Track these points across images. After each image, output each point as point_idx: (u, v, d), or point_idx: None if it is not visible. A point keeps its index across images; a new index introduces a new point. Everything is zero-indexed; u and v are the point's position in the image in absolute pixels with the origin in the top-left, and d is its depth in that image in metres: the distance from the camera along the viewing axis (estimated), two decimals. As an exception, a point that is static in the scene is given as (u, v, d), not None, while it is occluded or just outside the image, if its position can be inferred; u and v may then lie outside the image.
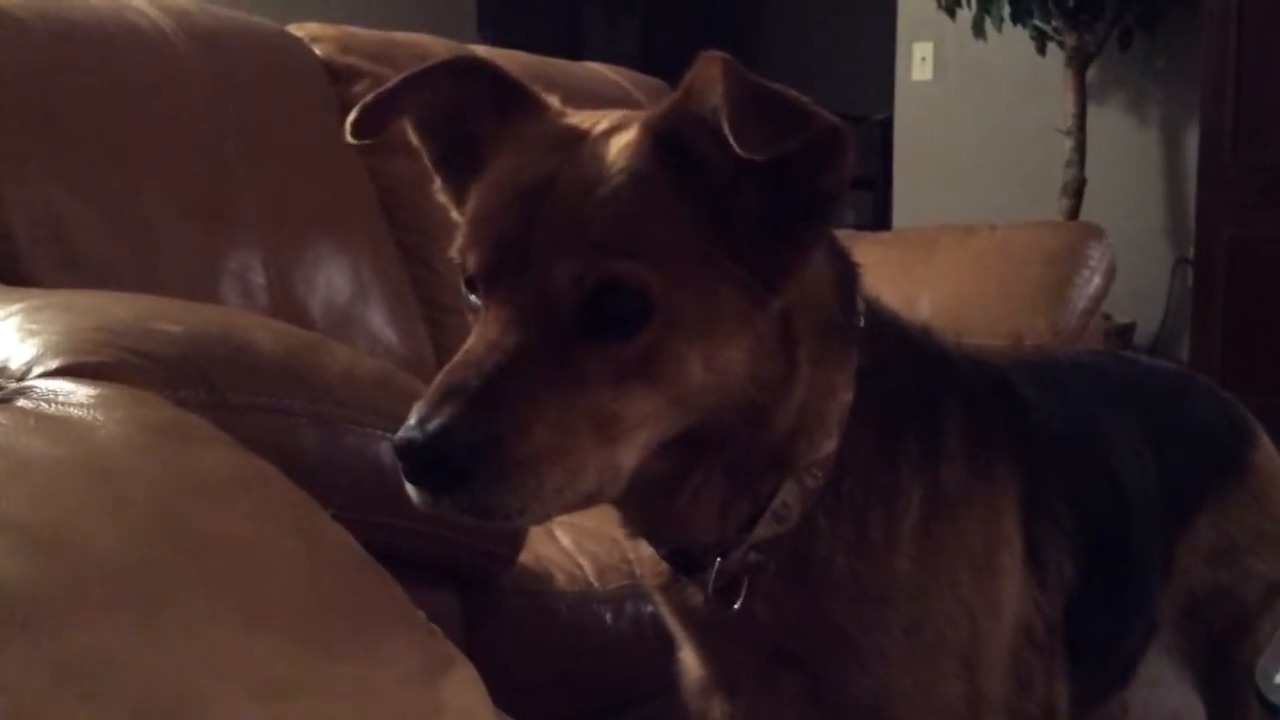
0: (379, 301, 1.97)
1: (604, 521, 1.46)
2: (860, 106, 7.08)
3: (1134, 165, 4.39)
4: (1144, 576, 1.14)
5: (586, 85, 2.58)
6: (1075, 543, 1.02)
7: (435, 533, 1.07)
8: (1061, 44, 4.23)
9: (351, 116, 0.87)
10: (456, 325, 2.10)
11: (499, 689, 1.18)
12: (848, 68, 7.46)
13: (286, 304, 1.79)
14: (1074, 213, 4.12)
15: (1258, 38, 3.57)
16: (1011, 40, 4.36)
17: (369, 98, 0.87)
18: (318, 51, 2.10)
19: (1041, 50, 4.35)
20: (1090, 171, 4.17)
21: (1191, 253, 3.82)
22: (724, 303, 0.80)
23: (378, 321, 1.95)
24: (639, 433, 0.78)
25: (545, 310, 0.77)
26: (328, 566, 0.65)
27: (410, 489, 0.77)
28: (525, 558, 1.29)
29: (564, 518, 1.47)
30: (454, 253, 0.85)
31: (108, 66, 1.66)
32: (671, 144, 0.80)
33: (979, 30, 4.36)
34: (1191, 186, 3.79)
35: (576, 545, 1.37)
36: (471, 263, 0.82)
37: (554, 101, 0.91)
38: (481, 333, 0.78)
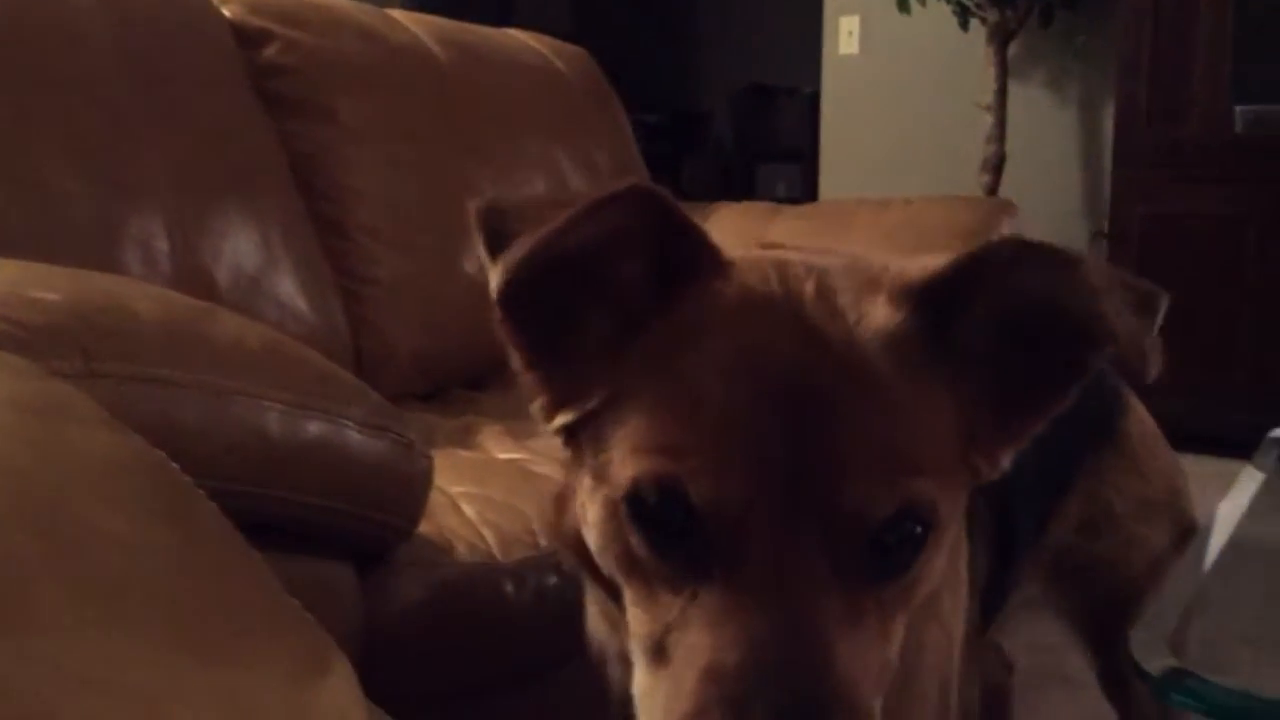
0: (289, 270, 1.94)
1: (510, 493, 1.46)
2: (789, 79, 7.11)
3: (1053, 141, 4.44)
4: (1023, 557, 1.16)
5: (504, 53, 2.56)
6: (989, 539, 1.01)
7: (327, 505, 1.06)
8: (984, 20, 4.27)
9: (504, 278, 0.62)
10: (372, 296, 2.08)
11: (396, 660, 1.18)
12: (777, 41, 7.48)
13: (191, 271, 1.76)
14: (994, 188, 4.17)
15: (1174, 16, 3.63)
16: (935, 15, 4.39)
17: (523, 250, 0.61)
18: (226, 13, 2.06)
19: (964, 25, 4.38)
20: (1011, 147, 4.22)
21: (1107, 227, 3.89)
22: (960, 498, 0.69)
23: (288, 290, 1.92)
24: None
25: (836, 551, 0.60)
26: (204, 562, 0.63)
27: None
28: (427, 529, 1.28)
29: (470, 488, 1.46)
30: (625, 476, 0.62)
31: (4, 24, 1.61)
32: (938, 318, 0.66)
33: (903, 5, 4.38)
34: (1108, 163, 3.84)
35: (480, 516, 1.36)
36: (702, 487, 0.59)
37: (718, 245, 0.69)
38: (758, 586, 0.58)
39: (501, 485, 1.48)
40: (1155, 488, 1.25)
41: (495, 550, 1.30)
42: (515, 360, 0.70)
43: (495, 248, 0.63)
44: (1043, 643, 1.64)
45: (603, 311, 0.67)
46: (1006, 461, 0.70)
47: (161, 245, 1.74)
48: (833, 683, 0.56)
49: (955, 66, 4.54)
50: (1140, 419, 1.29)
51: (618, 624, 0.86)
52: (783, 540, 0.59)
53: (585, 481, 0.68)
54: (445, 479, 1.46)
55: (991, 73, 4.23)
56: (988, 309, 0.66)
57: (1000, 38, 4.22)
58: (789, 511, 0.59)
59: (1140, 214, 3.62)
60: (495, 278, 0.63)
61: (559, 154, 2.51)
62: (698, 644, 0.59)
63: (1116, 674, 1.27)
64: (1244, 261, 3.55)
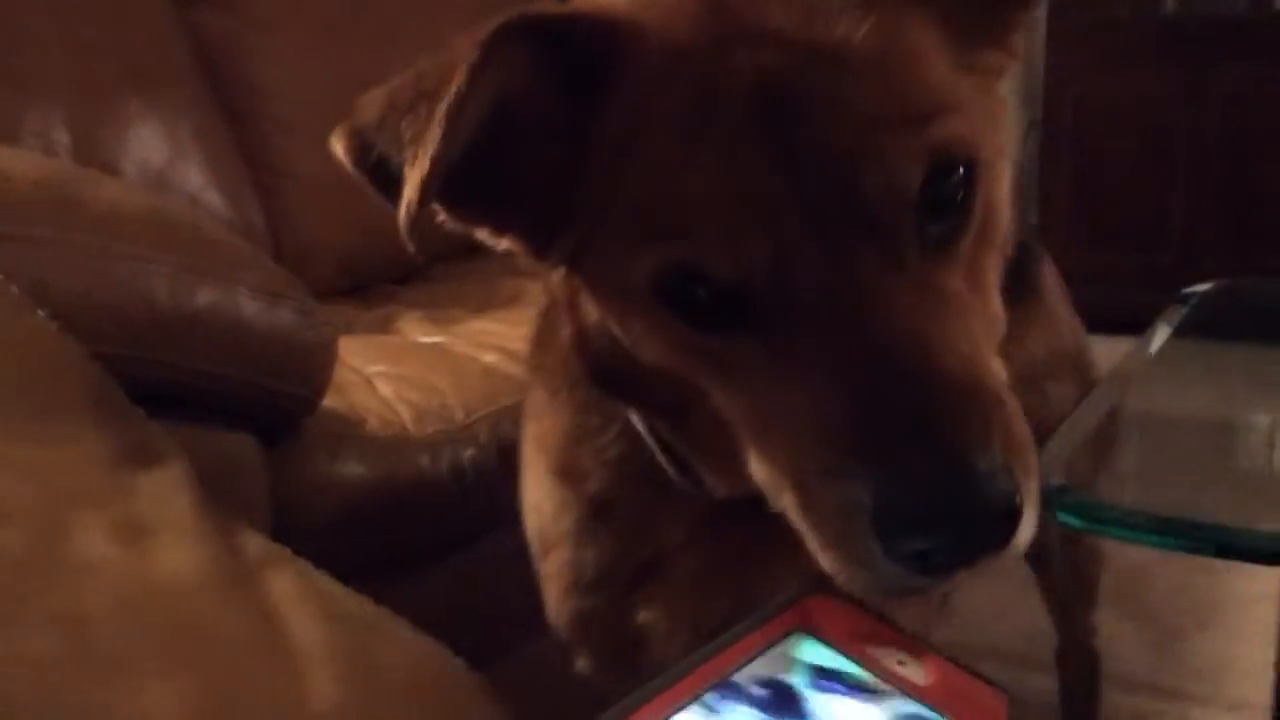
0: (199, 164, 1.89)
1: (428, 371, 1.45)
2: None
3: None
4: None
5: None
6: None
7: (222, 373, 1.04)
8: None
9: (407, 218, 0.54)
10: (288, 191, 2.04)
11: (306, 531, 1.17)
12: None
13: (94, 165, 1.70)
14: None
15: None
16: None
17: (415, 186, 0.53)
18: (122, -103, 1.97)
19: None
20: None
21: (1041, 113, 3.88)
22: (992, 101, 0.62)
23: (198, 184, 1.88)
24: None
25: (888, 241, 0.53)
26: (18, 355, 0.62)
27: (919, 578, 0.50)
28: (339, 404, 1.26)
29: (386, 368, 1.45)
30: (642, 275, 0.56)
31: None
32: None
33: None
34: (1042, 48, 3.83)
35: (396, 394, 1.35)
36: (719, 264, 0.54)
37: (613, 13, 0.59)
38: (825, 321, 0.52)
39: (419, 365, 1.46)
40: (1066, 342, 1.25)
41: (409, 424, 1.29)
42: (481, 235, 0.64)
43: (384, 187, 0.56)
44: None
45: (541, 144, 0.60)
46: (1019, 42, 0.63)
47: (61, 138, 1.69)
48: (947, 377, 0.51)
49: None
50: (1052, 271, 1.29)
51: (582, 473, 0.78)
52: (828, 264, 0.52)
53: (607, 301, 0.63)
54: (361, 360, 1.44)
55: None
56: None
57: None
58: (819, 234, 0.52)
59: (1073, 97, 3.62)
60: (401, 218, 0.54)
61: (479, 44, 2.45)
62: (792, 405, 0.53)
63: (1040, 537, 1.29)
64: (1175, 143, 3.56)
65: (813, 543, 0.52)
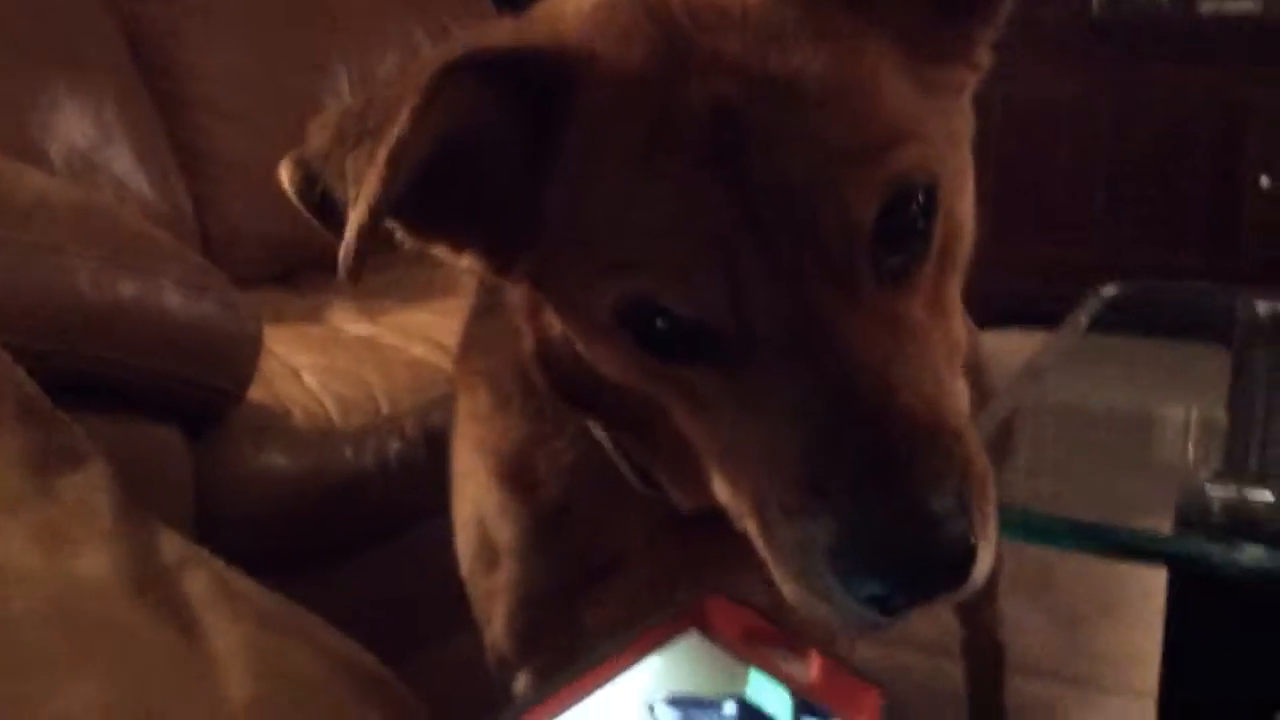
0: (127, 146, 1.87)
1: (355, 363, 1.45)
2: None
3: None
4: None
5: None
6: None
7: (146, 366, 1.05)
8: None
9: (349, 258, 0.52)
10: (216, 175, 2.03)
11: (230, 523, 1.18)
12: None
13: (20, 148, 1.68)
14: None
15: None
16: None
17: (356, 230, 0.51)
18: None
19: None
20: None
21: (969, 110, 3.95)
22: (955, 120, 0.60)
23: (125, 167, 1.86)
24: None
25: (845, 274, 0.52)
26: None
27: (876, 617, 0.51)
28: (264, 396, 1.27)
29: (314, 359, 1.45)
30: (604, 305, 0.55)
31: None
32: None
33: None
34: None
35: (321, 385, 1.36)
36: (674, 297, 0.53)
37: (560, 40, 0.57)
38: (784, 352, 0.52)
39: (346, 356, 1.47)
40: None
41: (334, 416, 1.30)
42: (439, 252, 0.62)
43: (327, 221, 0.55)
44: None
45: (497, 169, 0.58)
46: (984, 53, 0.63)
47: (-14, 120, 1.67)
48: (905, 415, 0.50)
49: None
50: None
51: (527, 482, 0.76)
52: (785, 300, 0.51)
53: (570, 321, 0.62)
54: (288, 350, 1.45)
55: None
56: None
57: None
58: (775, 269, 0.51)
59: (1000, 95, 3.69)
60: (340, 260, 0.53)
61: (414, 27, 2.44)
62: (752, 438, 0.53)
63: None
64: (1099, 141, 3.65)
65: (774, 572, 0.53)
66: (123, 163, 1.85)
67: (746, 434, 0.53)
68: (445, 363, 1.47)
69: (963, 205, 0.59)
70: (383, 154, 0.51)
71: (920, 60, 0.56)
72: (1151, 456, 1.25)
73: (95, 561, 0.52)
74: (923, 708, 1.67)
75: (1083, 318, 1.48)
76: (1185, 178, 3.57)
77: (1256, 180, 3.46)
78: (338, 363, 1.44)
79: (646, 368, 0.57)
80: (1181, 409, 1.37)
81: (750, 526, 0.55)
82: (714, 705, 0.44)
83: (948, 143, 0.57)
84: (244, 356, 1.15)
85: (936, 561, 0.49)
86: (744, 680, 0.46)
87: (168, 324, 1.06)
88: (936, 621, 1.78)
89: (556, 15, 0.59)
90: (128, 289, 1.01)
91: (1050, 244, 3.70)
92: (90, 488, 0.58)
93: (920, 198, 0.54)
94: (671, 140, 0.52)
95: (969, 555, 0.50)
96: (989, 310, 4.32)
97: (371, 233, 0.52)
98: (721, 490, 0.57)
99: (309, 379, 1.38)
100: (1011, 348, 1.69)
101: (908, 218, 0.54)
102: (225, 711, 0.47)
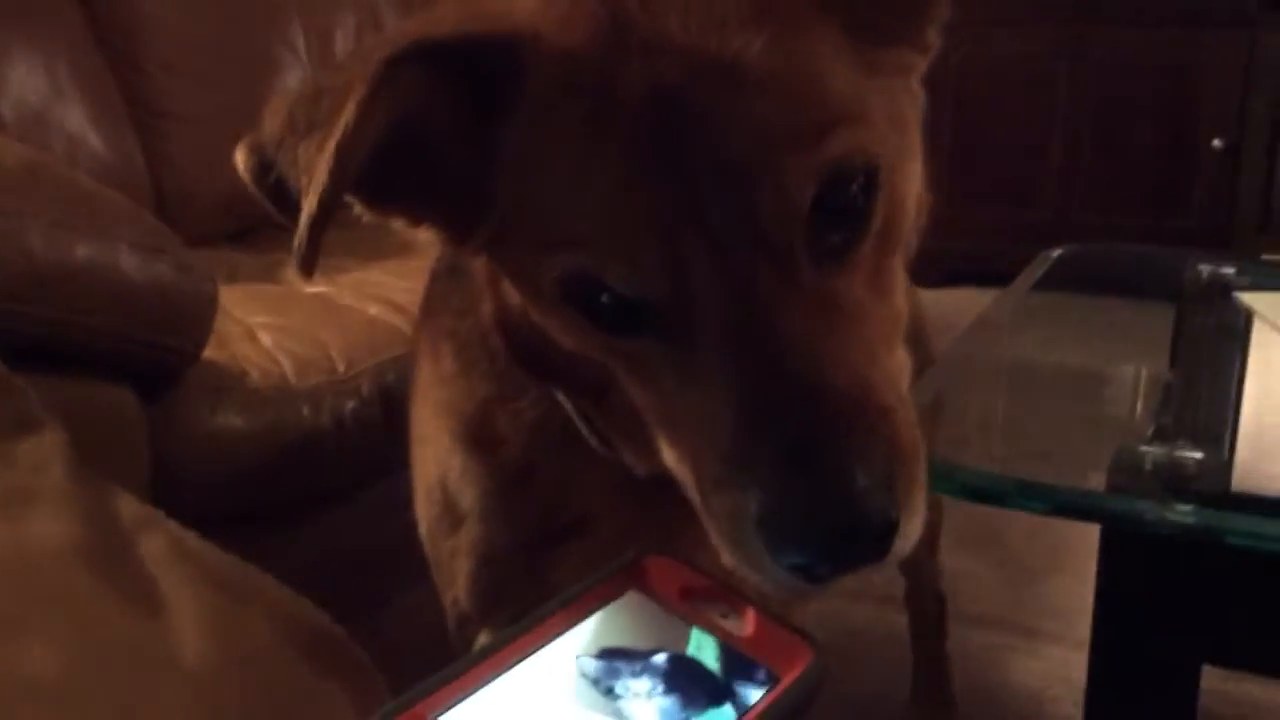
0: (78, 103, 1.87)
1: (311, 322, 1.46)
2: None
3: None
4: None
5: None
6: None
7: (100, 326, 1.05)
8: None
9: (302, 248, 0.53)
10: (170, 132, 2.01)
11: (186, 483, 1.19)
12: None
13: (-32, 104, 1.68)
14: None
15: None
16: None
17: (309, 216, 0.52)
18: None
19: None
20: None
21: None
22: (900, 100, 0.60)
23: (77, 124, 1.85)
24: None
25: (784, 253, 0.54)
26: None
27: (803, 584, 0.53)
28: (220, 356, 1.28)
29: (269, 318, 1.46)
30: (550, 278, 0.57)
31: None
32: None
33: None
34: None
35: (276, 344, 1.37)
36: (616, 274, 0.55)
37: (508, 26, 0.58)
38: (721, 329, 0.53)
39: (302, 316, 1.48)
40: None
41: (290, 376, 1.31)
42: (397, 226, 0.63)
43: (283, 207, 0.56)
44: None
45: (450, 147, 0.59)
46: (934, 34, 0.63)
47: (-68, 75, 1.65)
48: (833, 392, 0.52)
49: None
50: None
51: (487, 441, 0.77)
52: (723, 279, 0.53)
53: (523, 292, 0.64)
54: (244, 310, 1.45)
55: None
56: None
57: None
58: (714, 249, 0.53)
59: (960, 55, 3.70)
60: (293, 250, 0.54)
61: (370, -15, 2.43)
62: (692, 410, 0.55)
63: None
64: (1055, 103, 3.68)
65: (712, 537, 0.55)
66: (75, 119, 1.84)
67: (686, 405, 0.55)
68: (401, 322, 1.48)
69: (905, 185, 0.59)
70: (331, 145, 0.51)
71: (866, 42, 0.57)
72: (1099, 412, 1.28)
73: (54, 527, 0.53)
74: (871, 655, 1.72)
75: (1029, 279, 1.51)
76: (1138, 139, 3.62)
77: (1209, 142, 3.51)
78: (294, 322, 1.45)
79: (593, 339, 0.59)
80: (1129, 366, 1.40)
81: (690, 493, 0.57)
82: (644, 657, 0.46)
83: (891, 125, 0.58)
84: (199, 318, 1.16)
85: (857, 534, 0.51)
86: (684, 637, 0.48)
87: (123, 286, 1.06)
88: (891, 575, 1.82)
89: None
90: (82, 251, 1.01)
91: (1004, 204, 3.74)
92: (45, 453, 0.59)
93: (860, 179, 0.55)
94: (612, 121, 0.53)
95: (890, 528, 0.52)
96: (942, 269, 4.38)
97: (323, 223, 0.53)
98: (668, 456, 0.59)
99: (265, 338, 1.39)
100: (964, 306, 1.71)
101: (847, 198, 0.55)
102: (179, 671, 0.48)
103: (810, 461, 0.51)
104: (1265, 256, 2.67)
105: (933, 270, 3.91)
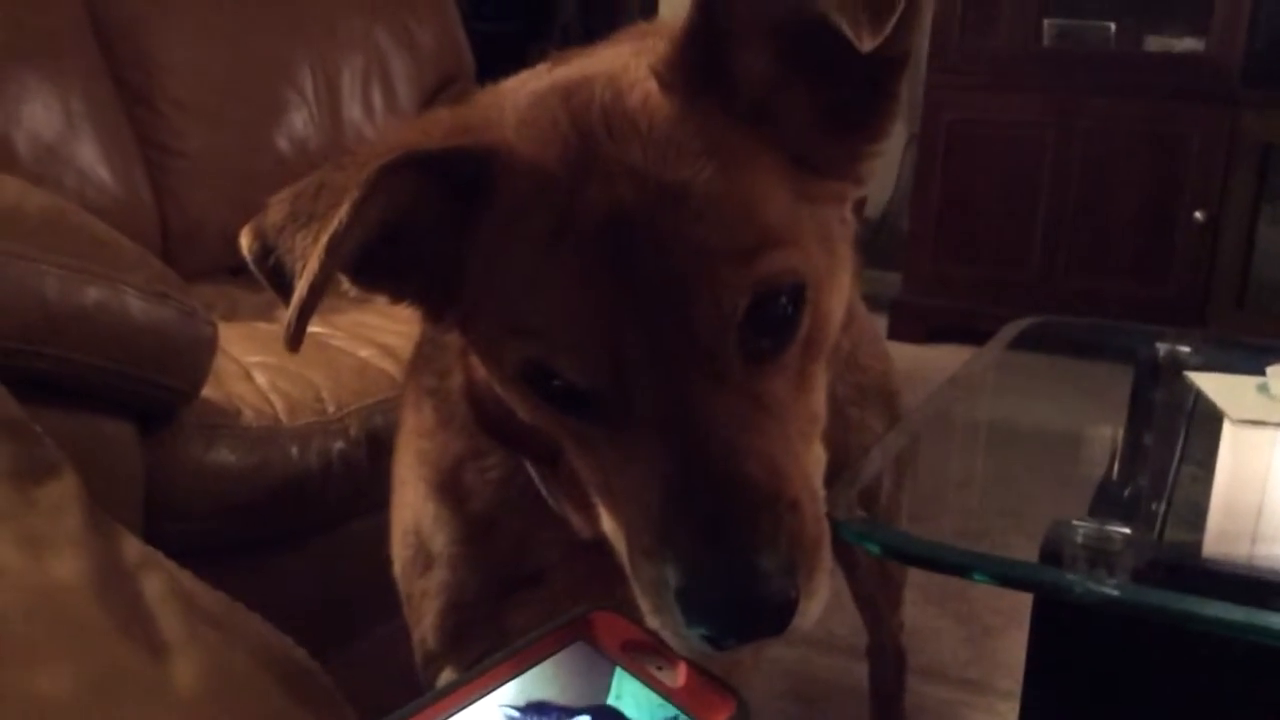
0: (92, 139, 1.93)
1: (304, 364, 1.52)
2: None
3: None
4: None
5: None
6: None
7: (106, 366, 1.11)
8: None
9: (292, 324, 0.61)
10: (178, 168, 2.08)
11: (177, 515, 1.25)
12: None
13: (-14, 137, 1.74)
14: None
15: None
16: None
17: (298, 303, 0.59)
18: None
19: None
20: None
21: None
22: (831, 225, 0.67)
23: (89, 160, 1.91)
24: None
25: (714, 356, 0.61)
26: None
27: (711, 650, 0.59)
28: (216, 394, 1.34)
29: (264, 358, 1.52)
30: (510, 361, 0.64)
31: None
32: (701, 76, 0.63)
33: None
34: (924, 70, 4.00)
35: (270, 384, 1.43)
36: (565, 365, 0.62)
37: (482, 140, 0.65)
38: (652, 420, 0.60)
39: (296, 357, 1.54)
40: (871, 374, 1.27)
41: (282, 415, 1.37)
42: (381, 299, 0.70)
43: (280, 289, 0.62)
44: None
45: (429, 237, 0.66)
46: (869, 171, 0.69)
47: (-46, 109, 1.72)
48: (747, 484, 0.59)
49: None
50: (857, 301, 1.28)
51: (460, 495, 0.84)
52: (659, 378, 0.60)
53: (490, 365, 0.70)
54: (240, 349, 1.52)
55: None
56: (747, 32, 0.63)
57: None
58: (653, 351, 0.60)
59: (948, 119, 3.80)
60: (284, 330, 0.61)
61: (379, 32, 2.49)
62: (626, 485, 0.62)
63: (840, 547, 1.35)
64: (1041, 168, 3.77)
65: (639, 601, 0.62)
66: (87, 154, 1.90)
67: (621, 480, 0.63)
68: (390, 366, 1.54)
69: (831, 300, 0.66)
70: (325, 239, 0.58)
71: (804, 173, 0.65)
72: (1060, 472, 1.33)
73: (69, 565, 0.60)
74: (833, 705, 1.77)
75: (1000, 345, 1.56)
76: (1122, 207, 3.70)
77: (1191, 214, 3.59)
78: (287, 362, 1.51)
79: (545, 414, 0.66)
80: (1098, 428, 1.45)
81: (622, 559, 0.64)
82: (569, 713, 0.52)
83: (821, 247, 0.65)
84: (199, 360, 1.22)
85: (759, 612, 0.58)
86: (620, 688, 0.54)
87: (128, 328, 1.12)
88: (849, 625, 1.87)
89: (495, 106, 0.68)
90: (92, 294, 1.08)
91: (990, 265, 3.82)
92: (64, 496, 0.66)
93: (789, 294, 0.62)
94: (572, 235, 0.60)
95: (790, 607, 0.58)
96: (928, 326, 4.43)
97: (313, 306, 0.60)
98: (606, 524, 0.67)
99: (259, 378, 1.45)
100: (946, 364, 1.77)
101: (777, 309, 0.62)
102: (172, 699, 0.55)
103: (719, 543, 0.58)
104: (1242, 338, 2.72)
105: (919, 327, 4.00)
